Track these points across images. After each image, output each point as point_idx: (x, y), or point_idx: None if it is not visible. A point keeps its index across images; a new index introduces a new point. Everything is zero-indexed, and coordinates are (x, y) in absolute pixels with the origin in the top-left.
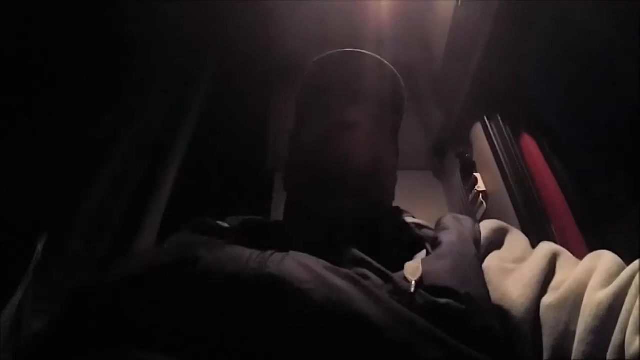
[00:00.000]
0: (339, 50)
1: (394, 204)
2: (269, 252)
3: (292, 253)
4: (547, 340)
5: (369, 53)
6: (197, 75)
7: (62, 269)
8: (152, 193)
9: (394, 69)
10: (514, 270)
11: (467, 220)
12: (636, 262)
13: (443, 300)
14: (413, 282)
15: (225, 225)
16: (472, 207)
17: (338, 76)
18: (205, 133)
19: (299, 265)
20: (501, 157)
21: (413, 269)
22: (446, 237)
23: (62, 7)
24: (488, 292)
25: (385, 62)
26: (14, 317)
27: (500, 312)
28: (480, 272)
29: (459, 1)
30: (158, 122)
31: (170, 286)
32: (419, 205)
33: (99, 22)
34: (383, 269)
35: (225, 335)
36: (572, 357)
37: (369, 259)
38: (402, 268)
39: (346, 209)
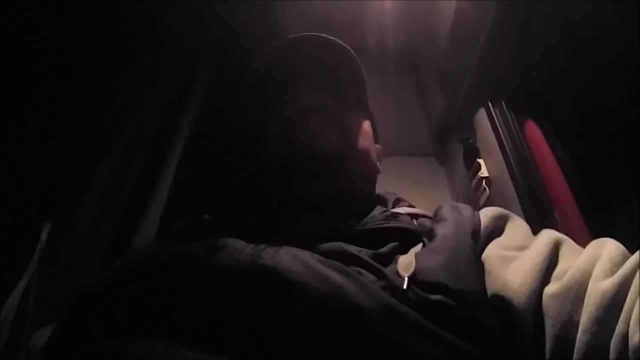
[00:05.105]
0: (289, 36)
1: (396, 191)
2: (262, 245)
3: (286, 247)
4: (550, 330)
5: (322, 35)
6: (199, 69)
7: (66, 257)
8: (154, 183)
9: (349, 48)
10: (515, 258)
11: (466, 210)
12: None
13: (435, 297)
14: (406, 278)
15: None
16: (475, 193)
17: (293, 62)
18: (207, 127)
19: (293, 258)
20: (505, 143)
21: (406, 264)
22: (442, 230)
23: (62, 7)
24: (484, 286)
25: (340, 41)
26: (19, 305)
27: (501, 303)
28: (475, 267)
29: None
30: (160, 115)
31: (165, 281)
32: (421, 191)
33: (102, 20)
34: (375, 264)
35: (219, 327)
36: (575, 347)
37: (361, 255)
38: (394, 260)
39: (316, 192)
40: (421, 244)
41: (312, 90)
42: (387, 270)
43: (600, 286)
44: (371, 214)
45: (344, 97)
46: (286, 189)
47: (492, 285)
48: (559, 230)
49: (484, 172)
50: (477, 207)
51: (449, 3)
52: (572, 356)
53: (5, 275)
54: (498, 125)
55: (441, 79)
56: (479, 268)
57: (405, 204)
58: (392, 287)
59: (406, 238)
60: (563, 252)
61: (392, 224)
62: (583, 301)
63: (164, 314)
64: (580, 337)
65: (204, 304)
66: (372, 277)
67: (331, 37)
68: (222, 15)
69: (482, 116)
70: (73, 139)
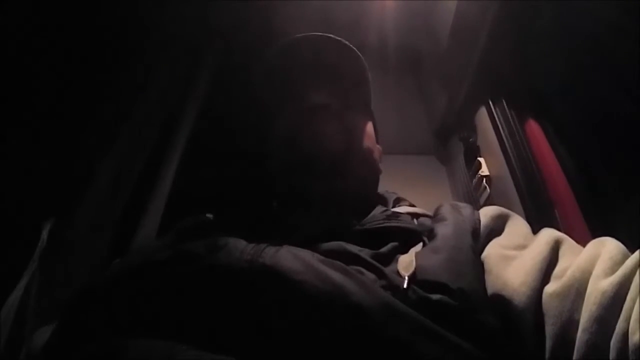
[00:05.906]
0: (293, 36)
1: (396, 190)
2: (263, 245)
3: (286, 246)
4: (550, 329)
5: (327, 35)
6: (199, 68)
7: (66, 257)
8: (154, 183)
9: (351, 46)
10: (515, 257)
11: (466, 209)
12: None
13: (436, 296)
14: (406, 278)
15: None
16: (476, 192)
17: (298, 62)
18: (207, 127)
19: (293, 257)
20: (505, 141)
21: (407, 263)
22: (442, 230)
23: (63, 6)
24: (484, 285)
25: (345, 41)
26: (19, 304)
27: (501, 302)
28: (476, 266)
29: None
30: (160, 115)
31: (166, 280)
32: (421, 190)
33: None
34: (376, 263)
35: (220, 326)
36: (576, 346)
37: (362, 254)
38: (395, 260)
39: (320, 192)
40: (421, 244)
41: (317, 89)
42: (387, 270)
43: (600, 285)
44: (372, 214)
45: (349, 97)
46: (290, 188)
47: (492, 284)
48: (559, 229)
49: (484, 170)
50: (478, 206)
51: (449, 2)
52: (572, 355)
53: (5, 275)
54: (499, 123)
55: (442, 77)
56: (479, 267)
57: (406, 203)
58: (393, 286)
59: (406, 237)
60: (563, 251)
61: (393, 223)
62: (583, 300)
63: (164, 313)
64: (580, 336)
65: (205, 303)
66: (372, 276)
67: (336, 37)
68: (222, 15)
69: (482, 115)
70: (73, 139)
